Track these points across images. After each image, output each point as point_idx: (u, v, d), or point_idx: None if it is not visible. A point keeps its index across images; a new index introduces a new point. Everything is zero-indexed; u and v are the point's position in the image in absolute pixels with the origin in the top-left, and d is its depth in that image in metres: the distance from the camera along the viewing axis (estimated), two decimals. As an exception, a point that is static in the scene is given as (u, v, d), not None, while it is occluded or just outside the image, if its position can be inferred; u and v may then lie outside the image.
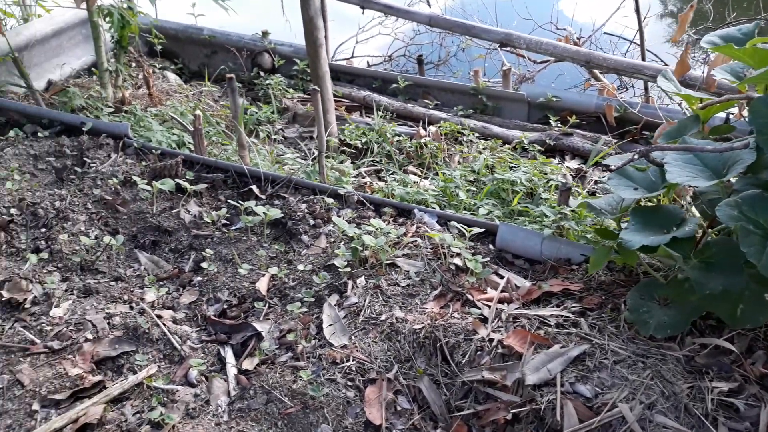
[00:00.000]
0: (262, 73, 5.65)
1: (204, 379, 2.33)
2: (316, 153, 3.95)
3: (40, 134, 3.78)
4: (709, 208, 2.24)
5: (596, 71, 6.11)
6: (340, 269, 2.70)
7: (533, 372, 2.16)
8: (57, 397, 2.24)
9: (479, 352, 2.31)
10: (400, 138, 4.50)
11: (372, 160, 4.37)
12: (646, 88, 5.42)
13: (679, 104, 4.75)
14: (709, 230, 2.28)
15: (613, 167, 2.08)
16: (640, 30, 5.38)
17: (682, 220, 2.18)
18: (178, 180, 3.27)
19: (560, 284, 2.62)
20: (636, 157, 2.02)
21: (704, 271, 2.04)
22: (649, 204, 2.58)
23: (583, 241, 2.97)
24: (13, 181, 3.35)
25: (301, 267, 2.83)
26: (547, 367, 2.16)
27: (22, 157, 3.57)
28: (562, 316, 2.44)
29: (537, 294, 2.59)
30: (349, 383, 2.26)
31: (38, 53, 5.12)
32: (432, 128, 4.68)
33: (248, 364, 2.39)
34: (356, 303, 2.57)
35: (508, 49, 5.85)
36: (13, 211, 3.13)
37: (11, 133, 3.76)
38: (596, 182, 4.32)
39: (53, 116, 3.91)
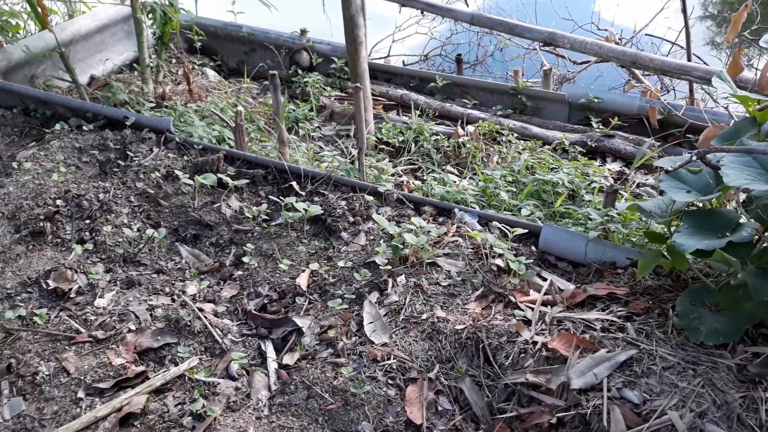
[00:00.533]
0: (299, 71, 5.67)
1: (245, 372, 2.34)
2: (355, 151, 3.95)
3: (84, 127, 3.84)
4: (765, 212, 2.17)
5: (637, 73, 6.01)
6: (380, 267, 2.68)
7: (579, 376, 2.11)
8: (101, 385, 2.27)
9: (522, 355, 2.27)
10: (438, 137, 4.47)
11: (409, 159, 4.35)
12: (690, 91, 5.30)
13: (725, 107, 4.62)
14: (765, 235, 2.20)
15: (669, 168, 2.02)
16: (687, 30, 5.26)
17: (738, 224, 2.12)
18: (219, 175, 3.29)
19: (606, 288, 2.56)
20: (693, 158, 1.96)
21: (761, 278, 1.97)
22: (703, 207, 2.51)
23: (628, 244, 2.90)
24: (59, 173, 3.41)
25: (341, 264, 2.82)
26: (593, 372, 2.12)
27: (67, 149, 3.63)
28: (607, 320, 2.38)
29: (581, 297, 2.54)
30: (390, 382, 2.24)
31: (82, 49, 5.22)
32: (470, 128, 4.64)
33: (289, 359, 2.38)
34: (397, 301, 2.55)
35: (547, 49, 5.79)
36: (59, 202, 3.19)
37: (57, 126, 3.82)
38: (638, 185, 4.24)
39: (97, 110, 3.97)
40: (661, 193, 4.06)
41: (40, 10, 4.61)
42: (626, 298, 2.52)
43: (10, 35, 5.19)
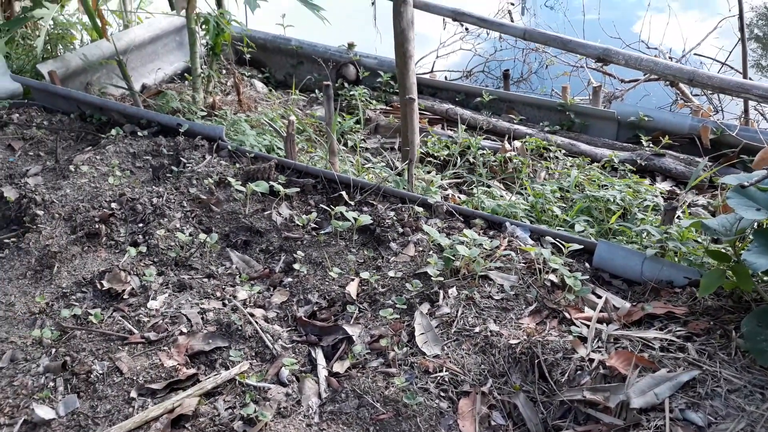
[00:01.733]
0: (346, 84, 5.72)
1: (295, 379, 2.33)
2: (400, 164, 3.94)
3: (138, 133, 3.93)
4: (839, 233, 2.09)
5: (687, 92, 5.91)
6: (432, 278, 2.66)
7: (639, 395, 2.05)
8: (153, 386, 2.28)
9: (579, 372, 2.22)
10: (484, 152, 4.45)
11: (455, 173, 4.33)
12: (745, 110, 5.18)
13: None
14: (838, 257, 2.12)
15: (746, 183, 1.96)
16: (744, 48, 5.15)
17: (810, 244, 2.04)
18: (270, 183, 3.32)
19: (664, 307, 2.49)
20: None
21: (836, 300, 1.89)
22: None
23: (685, 263, 2.82)
24: (114, 176, 3.48)
25: (390, 273, 2.80)
26: (654, 391, 2.05)
27: (122, 154, 3.71)
28: (666, 339, 2.31)
29: (638, 315, 2.47)
30: (442, 394, 2.21)
31: (135, 58, 5.36)
32: (517, 143, 4.60)
33: (339, 367, 2.37)
34: (448, 313, 2.52)
35: (594, 66, 5.73)
36: (113, 205, 3.25)
37: (113, 132, 3.91)
38: (690, 205, 4.14)
39: (151, 117, 4.06)
40: (713, 214, 3.96)
41: (99, 21, 4.74)
42: (685, 317, 2.45)
43: (67, 44, 5.37)
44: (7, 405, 2.23)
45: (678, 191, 4.27)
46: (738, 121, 5.24)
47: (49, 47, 5.24)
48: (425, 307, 2.58)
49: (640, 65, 4.71)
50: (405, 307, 2.60)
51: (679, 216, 3.54)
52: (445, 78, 7.64)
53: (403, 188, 3.50)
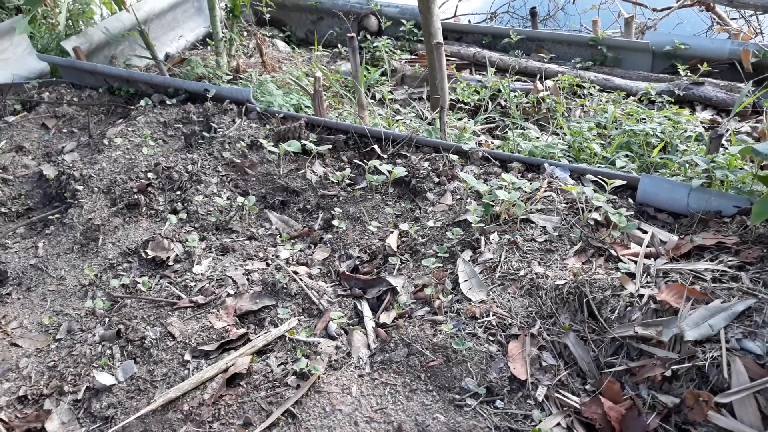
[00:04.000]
0: (368, 36, 5.61)
1: (344, 332, 2.35)
2: (432, 111, 3.87)
3: (167, 102, 3.93)
4: None
5: (723, 15, 5.64)
6: (472, 225, 2.63)
7: (693, 327, 2.01)
8: (206, 348, 2.33)
9: (629, 308, 2.18)
10: (516, 94, 4.34)
11: (487, 118, 4.24)
12: (787, 29, 4.92)
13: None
14: None
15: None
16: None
17: None
18: (302, 142, 3.30)
19: (713, 237, 2.43)
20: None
21: None
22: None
23: (733, 191, 2.73)
24: (148, 146, 3.50)
25: (429, 223, 2.78)
26: (708, 323, 2.01)
27: (152, 124, 3.72)
28: (718, 270, 2.26)
29: (687, 248, 2.41)
30: (491, 338, 2.21)
31: (156, 27, 5.32)
32: (549, 82, 4.48)
33: (385, 318, 2.38)
34: (491, 259, 2.50)
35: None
36: (150, 175, 3.28)
37: (141, 103, 3.93)
38: (734, 133, 3.99)
39: (178, 85, 4.05)
40: (758, 140, 3.81)
41: (117, -9, 4.72)
42: (737, 247, 2.38)
43: (88, 19, 5.36)
44: (69, 374, 2.31)
45: (720, 119, 4.12)
46: (781, 42, 4.99)
47: (71, 23, 5.24)
48: (467, 254, 2.56)
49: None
50: (447, 255, 2.58)
51: (723, 144, 3.42)
52: (469, 22, 7.44)
53: (436, 137, 3.45)
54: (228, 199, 3.12)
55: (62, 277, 2.81)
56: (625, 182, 2.75)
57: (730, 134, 3.63)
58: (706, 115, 4.28)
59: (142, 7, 5.20)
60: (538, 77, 4.72)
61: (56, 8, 5.52)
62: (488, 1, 7.81)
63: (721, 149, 3.00)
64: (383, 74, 4.92)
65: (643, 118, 3.75)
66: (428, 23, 4.09)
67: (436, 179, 3.09)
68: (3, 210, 3.25)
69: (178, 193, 3.19)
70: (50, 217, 3.17)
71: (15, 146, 3.69)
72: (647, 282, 2.28)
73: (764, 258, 2.29)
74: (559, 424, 1.96)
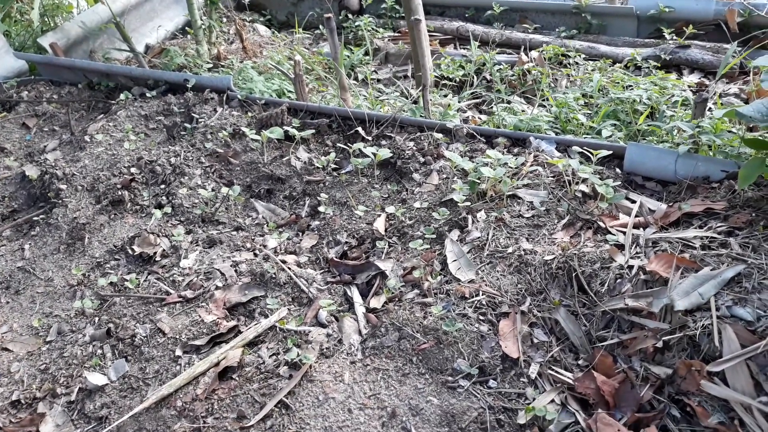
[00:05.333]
0: (350, 16, 5.52)
1: (334, 319, 2.34)
2: (414, 91, 3.82)
3: (147, 95, 3.87)
4: None
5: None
6: (459, 204, 2.60)
7: (683, 297, 2.00)
8: (196, 342, 2.32)
9: (619, 280, 2.17)
10: (501, 67, 4.28)
11: (473, 93, 4.19)
12: (774, -14, 4.84)
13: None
14: None
15: (780, 61, 1.83)
16: None
17: None
18: (285, 128, 3.26)
19: (702, 204, 2.41)
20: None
21: None
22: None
23: (721, 156, 2.71)
24: (129, 141, 3.46)
25: (416, 205, 2.76)
26: (698, 291, 2.00)
27: (133, 118, 3.67)
28: (707, 237, 2.24)
29: (676, 216, 2.40)
30: (481, 317, 2.19)
31: (134, 18, 5.23)
32: (534, 53, 4.42)
33: (376, 303, 2.37)
34: (479, 237, 2.48)
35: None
36: (133, 170, 3.24)
37: (122, 96, 3.87)
38: (721, 95, 3.95)
39: (157, 76, 3.99)
40: (747, 101, 3.77)
41: (90, -17, 4.63)
42: (726, 212, 2.36)
43: (65, 14, 5.27)
44: (62, 376, 2.30)
45: (708, 82, 4.08)
46: (767, -1, 4.92)
47: (46, 19, 5.15)
48: (455, 234, 2.54)
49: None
50: (434, 236, 2.56)
51: (710, 108, 3.38)
52: (452, -5, 7.33)
53: (420, 116, 3.40)
54: (213, 190, 3.09)
55: (50, 278, 2.79)
56: (611, 152, 2.72)
57: (715, 98, 3.59)
58: (694, 78, 4.23)
59: (118, -1, 5.12)
60: (522, 48, 4.66)
61: (32, 4, 5.42)
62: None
63: (707, 113, 2.96)
64: (366, 54, 4.85)
65: (630, 85, 3.70)
66: (408, -1, 4.03)
67: (422, 159, 3.06)
68: (-13, 213, 3.22)
69: (162, 186, 3.15)
70: (35, 218, 3.14)
71: (-4, 148, 3.65)
72: (636, 253, 2.26)
73: (753, 222, 2.27)
74: (553, 401, 1.95)
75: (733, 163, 2.53)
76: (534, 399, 1.96)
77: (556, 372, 2.03)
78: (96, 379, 2.24)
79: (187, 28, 5.31)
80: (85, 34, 4.75)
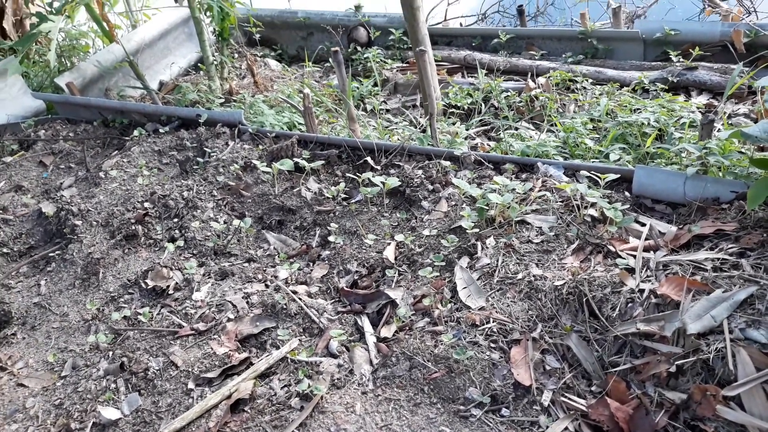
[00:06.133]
0: (358, 48, 5.62)
1: (345, 349, 2.34)
2: (423, 120, 3.87)
3: (160, 130, 3.95)
4: None
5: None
6: (467, 231, 2.61)
7: (695, 320, 1.97)
8: (209, 375, 2.32)
9: (630, 305, 2.15)
10: (509, 93, 4.32)
11: (481, 120, 4.23)
12: (778, 7, 4.87)
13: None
14: None
15: (780, 82, 1.83)
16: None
17: None
18: (295, 159, 3.30)
19: (712, 225, 2.39)
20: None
21: None
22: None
23: (730, 177, 2.70)
24: (143, 176, 3.52)
25: (426, 232, 2.77)
26: (710, 314, 1.98)
27: (147, 153, 3.74)
28: (718, 258, 2.22)
29: (686, 238, 2.38)
30: (493, 345, 2.18)
31: (148, 56, 5.36)
32: (541, 79, 4.45)
33: (386, 332, 2.37)
34: (489, 264, 2.48)
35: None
36: (146, 204, 3.29)
37: (135, 133, 3.95)
38: (730, 116, 3.95)
39: (170, 112, 4.07)
40: (756, 121, 3.76)
41: (105, 25, 4.76)
42: (736, 233, 2.35)
43: (82, 54, 5.42)
44: (76, 410, 2.31)
45: (716, 103, 4.08)
46: (773, 19, 4.94)
47: (63, 59, 5.30)
48: (464, 261, 2.54)
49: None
50: (444, 263, 2.57)
51: (719, 129, 3.38)
52: (460, 25, 7.43)
53: (428, 144, 3.43)
54: (225, 222, 3.12)
55: (65, 313, 2.82)
56: (619, 175, 2.73)
57: (722, 119, 3.59)
58: (702, 99, 4.24)
59: (132, 38, 5.25)
60: (529, 75, 4.70)
61: (50, 46, 5.58)
62: (478, 2, 7.80)
63: (715, 134, 2.96)
64: (375, 85, 4.92)
65: (637, 109, 3.71)
66: (414, 31, 4.10)
67: (431, 187, 3.07)
68: (5, 250, 3.27)
69: (175, 220, 3.20)
70: (51, 254, 3.19)
71: (14, 186, 3.72)
72: (647, 276, 2.25)
73: (765, 243, 2.25)
74: (566, 428, 1.93)
75: (743, 184, 2.51)
76: (547, 427, 1.93)
77: (570, 399, 2.01)
78: (109, 413, 2.25)
79: (199, 64, 5.42)
80: (101, 72, 4.88)
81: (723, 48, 4.59)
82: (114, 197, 3.39)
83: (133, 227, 3.12)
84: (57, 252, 3.19)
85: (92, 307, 2.78)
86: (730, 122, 3.81)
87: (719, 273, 2.15)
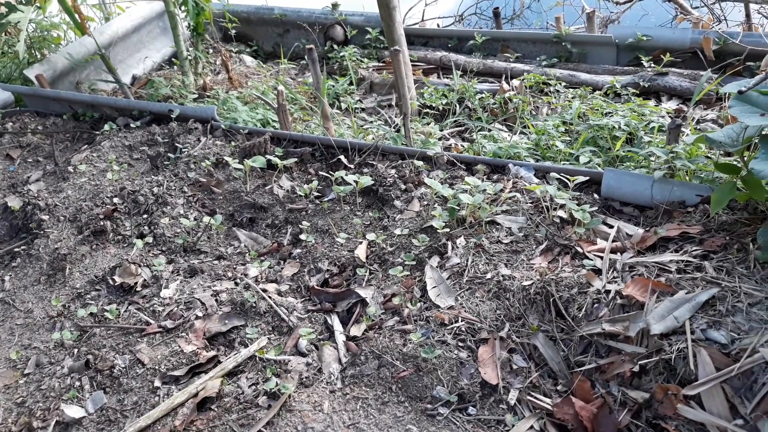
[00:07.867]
0: (335, 46, 5.60)
1: (314, 348, 2.33)
2: (398, 119, 3.87)
3: (132, 125, 3.90)
4: None
5: (685, 5, 5.70)
6: (438, 231, 2.62)
7: (658, 321, 2.01)
8: (176, 373, 2.30)
9: (596, 305, 2.18)
10: (483, 95, 4.34)
11: (455, 121, 4.25)
12: (747, 15, 4.98)
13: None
14: None
15: (743, 89, 1.87)
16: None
17: (820, 144, 1.96)
18: (268, 156, 3.28)
19: (677, 228, 2.44)
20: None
21: None
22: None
23: (696, 181, 2.75)
24: (113, 171, 3.47)
25: (397, 232, 2.77)
26: (673, 315, 2.01)
27: (117, 148, 3.69)
28: (683, 261, 2.26)
29: (652, 240, 2.42)
30: (461, 344, 2.20)
31: (121, 50, 5.29)
32: (515, 82, 4.49)
33: (356, 331, 2.37)
34: (458, 263, 2.49)
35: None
36: (115, 200, 3.24)
37: (106, 127, 3.89)
38: (698, 121, 4.02)
39: (142, 107, 4.02)
40: (722, 126, 3.84)
41: (78, 17, 4.68)
42: (701, 236, 2.39)
43: (53, 46, 5.32)
44: (38, 409, 2.27)
45: (685, 109, 4.15)
46: (741, 28, 5.05)
47: (33, 51, 5.20)
48: (435, 261, 2.55)
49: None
50: (414, 263, 2.57)
51: (687, 133, 3.44)
52: (437, 26, 7.46)
53: (402, 144, 3.44)
54: (195, 219, 3.09)
55: (30, 309, 2.77)
56: (587, 178, 2.76)
57: (689, 124, 3.66)
58: (672, 104, 4.31)
59: (105, 31, 5.17)
60: (504, 77, 4.73)
61: (19, 37, 5.47)
62: (455, 3, 7.84)
63: (683, 138, 3.01)
64: (351, 83, 4.91)
65: (609, 112, 3.76)
66: (391, 30, 4.11)
67: (403, 186, 3.08)
68: (-31, 245, 3.20)
69: (145, 216, 3.16)
70: (16, 249, 3.12)
71: (-21, 179, 3.65)
72: (613, 277, 2.28)
73: (727, 245, 2.29)
74: (532, 427, 1.95)
75: (708, 188, 2.56)
76: (513, 426, 1.95)
77: (536, 398, 2.03)
78: (73, 411, 2.22)
79: (173, 59, 5.36)
80: (72, 65, 4.79)
81: (693, 55, 4.67)
82: (82, 192, 3.34)
83: (102, 223, 3.08)
84: (22, 247, 3.13)
85: (58, 304, 2.73)
86: (697, 127, 3.89)
87: (683, 275, 2.19)
